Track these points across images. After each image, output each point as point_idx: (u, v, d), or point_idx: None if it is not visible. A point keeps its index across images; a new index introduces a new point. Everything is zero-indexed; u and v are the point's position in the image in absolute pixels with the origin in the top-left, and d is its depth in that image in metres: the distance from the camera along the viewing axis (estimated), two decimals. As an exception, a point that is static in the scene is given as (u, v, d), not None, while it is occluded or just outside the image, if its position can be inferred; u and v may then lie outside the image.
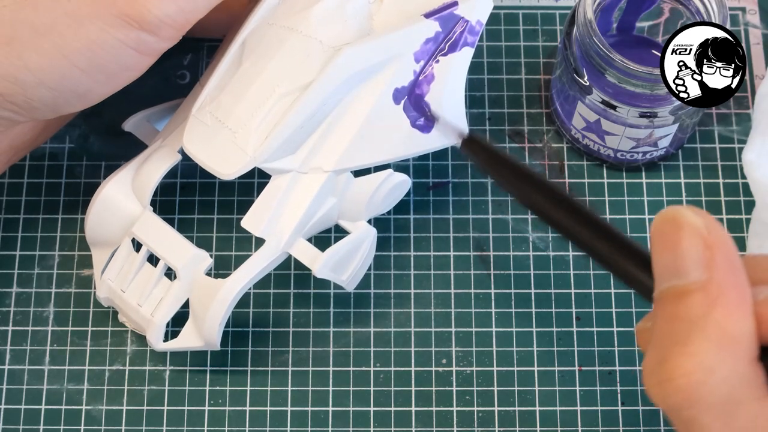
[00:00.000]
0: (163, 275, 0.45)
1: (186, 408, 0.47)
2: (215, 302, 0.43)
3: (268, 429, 0.46)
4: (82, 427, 0.46)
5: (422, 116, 0.45)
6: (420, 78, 0.44)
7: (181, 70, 0.53)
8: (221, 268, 0.49)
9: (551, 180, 0.37)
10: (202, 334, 0.44)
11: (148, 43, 0.40)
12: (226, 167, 0.43)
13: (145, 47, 0.41)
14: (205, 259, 0.45)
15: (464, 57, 0.45)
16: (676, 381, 0.30)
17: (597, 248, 0.34)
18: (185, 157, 0.44)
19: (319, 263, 0.44)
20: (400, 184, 0.46)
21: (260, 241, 0.44)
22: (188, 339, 0.45)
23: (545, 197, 0.37)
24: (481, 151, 0.40)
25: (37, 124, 0.45)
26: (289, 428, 0.46)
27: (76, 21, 0.39)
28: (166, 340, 0.45)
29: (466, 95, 0.52)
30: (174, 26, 0.40)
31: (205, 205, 0.50)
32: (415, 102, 0.45)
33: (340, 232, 0.47)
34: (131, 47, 0.40)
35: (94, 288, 0.47)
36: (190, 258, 0.44)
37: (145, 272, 0.45)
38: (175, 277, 0.45)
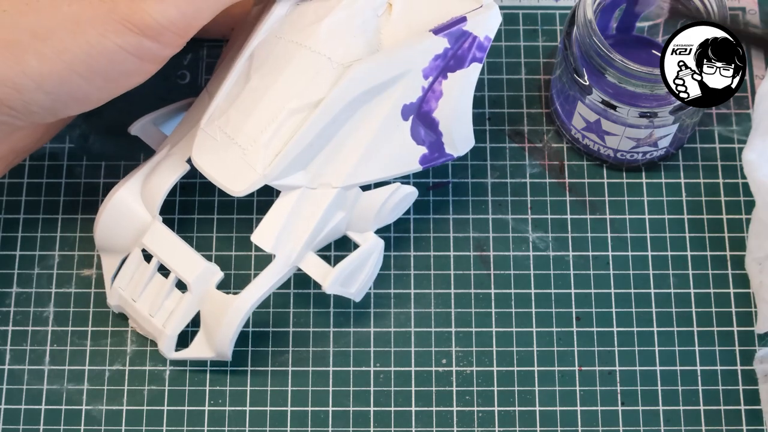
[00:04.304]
0: (174, 287, 0.45)
1: (186, 408, 0.47)
2: (227, 318, 0.44)
3: (268, 429, 0.46)
4: (82, 427, 0.46)
5: (431, 132, 0.45)
6: (428, 94, 0.44)
7: (181, 70, 0.53)
8: (221, 268, 0.49)
9: None
10: (214, 347, 0.44)
11: (150, 49, 0.40)
12: (236, 184, 0.43)
13: (147, 53, 0.40)
14: (215, 273, 0.45)
15: (472, 73, 0.45)
16: None
17: None
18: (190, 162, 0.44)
19: (329, 279, 0.44)
20: (407, 196, 0.47)
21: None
22: (200, 349, 0.45)
23: None
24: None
25: (38, 127, 0.45)
26: (289, 428, 0.46)
27: (76, 26, 0.39)
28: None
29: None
30: (176, 32, 0.40)
31: (205, 205, 0.50)
32: (422, 118, 0.45)
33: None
34: (131, 53, 0.40)
35: (94, 287, 0.48)
36: (200, 272, 0.44)
37: (156, 283, 0.45)
38: (186, 289, 0.45)
